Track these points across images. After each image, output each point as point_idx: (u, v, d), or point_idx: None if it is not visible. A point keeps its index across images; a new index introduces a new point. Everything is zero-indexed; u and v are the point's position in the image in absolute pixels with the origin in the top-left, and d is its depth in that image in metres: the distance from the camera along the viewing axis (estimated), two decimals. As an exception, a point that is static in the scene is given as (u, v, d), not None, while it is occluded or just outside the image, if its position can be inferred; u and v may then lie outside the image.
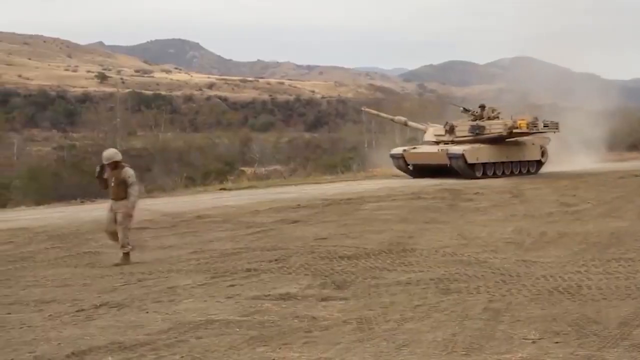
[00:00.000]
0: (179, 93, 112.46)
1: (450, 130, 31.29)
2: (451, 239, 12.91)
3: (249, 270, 10.40)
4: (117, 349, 6.68)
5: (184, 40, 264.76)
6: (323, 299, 8.45)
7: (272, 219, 16.93)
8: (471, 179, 28.63)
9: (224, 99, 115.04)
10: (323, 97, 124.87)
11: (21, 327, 7.60)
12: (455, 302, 8.13)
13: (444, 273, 9.75)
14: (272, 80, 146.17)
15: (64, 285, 9.84)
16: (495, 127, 30.69)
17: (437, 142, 31.52)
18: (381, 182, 29.34)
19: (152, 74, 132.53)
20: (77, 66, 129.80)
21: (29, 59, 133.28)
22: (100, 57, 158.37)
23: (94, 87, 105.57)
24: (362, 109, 40.74)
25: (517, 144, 31.73)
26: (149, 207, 21.21)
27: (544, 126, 31.38)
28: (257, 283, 9.53)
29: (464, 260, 10.72)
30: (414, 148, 31.76)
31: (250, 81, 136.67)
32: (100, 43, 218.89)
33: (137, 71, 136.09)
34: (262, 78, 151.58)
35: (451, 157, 29.66)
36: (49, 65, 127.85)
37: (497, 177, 30.15)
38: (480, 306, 7.90)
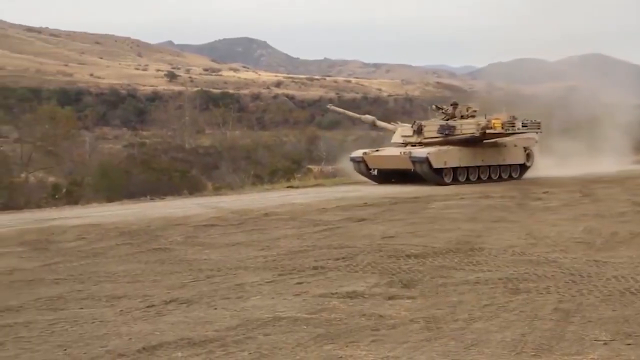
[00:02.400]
0: (246, 91, 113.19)
1: (419, 130, 28.16)
2: (520, 238, 12.76)
3: (316, 268, 10.42)
4: (187, 345, 6.76)
5: (251, 38, 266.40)
6: (390, 298, 8.43)
7: (339, 217, 16.92)
8: (439, 185, 25.96)
9: (291, 97, 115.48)
10: (390, 95, 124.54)
11: (93, 322, 7.73)
12: (524, 302, 8.04)
13: (513, 272, 9.64)
14: (339, 79, 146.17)
15: (135, 281, 9.98)
16: (466, 128, 27.59)
17: (405, 144, 28.25)
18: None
19: (220, 73, 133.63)
20: (147, 65, 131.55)
21: (101, 58, 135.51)
22: (170, 56, 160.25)
23: (163, 86, 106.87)
24: (328, 107, 36.63)
25: (495, 145, 28.41)
26: (217, 204, 21.41)
27: (523, 126, 27.99)
28: (324, 281, 9.54)
29: (533, 259, 10.59)
30: (377, 151, 28.39)
31: (317, 79, 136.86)
32: (170, 42, 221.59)
33: (205, 70, 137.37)
34: (329, 76, 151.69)
35: (414, 160, 26.51)
36: (119, 64, 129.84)
37: (471, 183, 27.05)
38: (550, 306, 7.80)
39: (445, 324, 7.20)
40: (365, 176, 28.43)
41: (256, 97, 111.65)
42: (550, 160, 31.76)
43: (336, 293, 8.72)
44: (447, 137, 27.45)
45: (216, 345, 6.70)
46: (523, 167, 29.23)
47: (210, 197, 25.65)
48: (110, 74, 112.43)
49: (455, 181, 26.80)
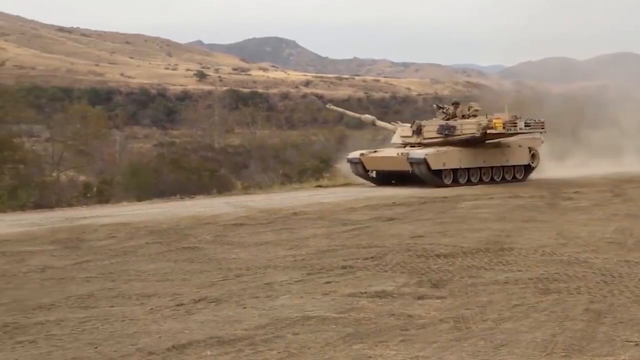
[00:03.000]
0: (275, 91, 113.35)
1: (418, 130, 27.20)
2: (550, 238, 12.68)
3: (344, 267, 10.42)
4: (216, 344, 6.79)
5: (281, 38, 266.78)
6: (419, 297, 8.41)
7: (367, 217, 16.90)
8: (439, 187, 24.88)
9: (320, 97, 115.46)
10: (419, 95, 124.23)
11: (123, 320, 7.79)
12: (554, 303, 7.99)
13: (543, 273, 9.58)
14: (368, 78, 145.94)
15: (164, 279, 10.03)
16: (467, 128, 26.60)
17: (404, 145, 27.41)
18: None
19: (249, 72, 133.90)
20: (176, 65, 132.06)
21: (131, 57, 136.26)
22: (199, 55, 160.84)
23: (192, 85, 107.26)
24: (327, 106, 35.37)
25: (498, 146, 27.48)
26: (246, 203, 21.47)
27: (526, 125, 26.84)
28: (353, 280, 9.54)
29: (564, 260, 10.52)
30: (375, 152, 27.58)
31: (346, 79, 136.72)
32: (199, 42, 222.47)
33: (234, 69, 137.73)
34: (358, 75, 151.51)
35: (412, 162, 25.65)
36: (149, 63, 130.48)
37: (473, 184, 26.05)
38: (580, 307, 7.75)
39: (475, 324, 7.18)
40: (363, 178, 27.79)
41: (285, 96, 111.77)
42: (577, 160, 31.54)
43: (365, 292, 8.71)
44: (447, 137, 26.63)
45: (245, 344, 6.73)
46: (528, 168, 28.22)
47: (239, 196, 25.73)
48: (140, 74, 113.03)
49: (455, 183, 25.90)
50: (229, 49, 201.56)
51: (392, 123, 29.76)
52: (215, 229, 15.40)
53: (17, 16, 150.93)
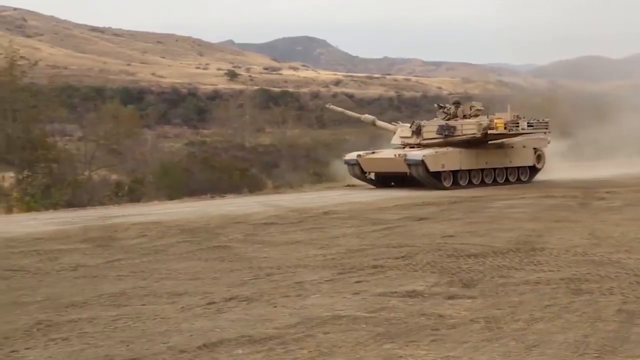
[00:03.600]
0: (306, 90, 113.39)
1: (417, 131, 26.43)
2: (582, 239, 12.59)
3: (375, 266, 10.41)
4: (247, 342, 6.81)
5: (311, 37, 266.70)
6: (450, 297, 8.39)
7: (398, 216, 16.88)
8: (438, 189, 24.25)
9: (351, 96, 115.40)
10: (450, 94, 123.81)
11: (155, 318, 7.84)
12: (587, 303, 7.93)
13: (575, 273, 9.52)
14: (398, 77, 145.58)
15: (195, 278, 10.07)
16: (467, 128, 25.79)
17: (404, 146, 26.64)
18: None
19: (280, 72, 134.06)
20: (207, 64, 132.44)
21: (162, 57, 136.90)
22: (230, 55, 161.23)
23: (223, 85, 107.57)
24: (327, 106, 34.57)
25: (501, 147, 26.71)
26: (277, 202, 21.51)
27: (529, 126, 26.07)
28: (384, 280, 9.53)
29: (596, 260, 10.44)
30: (372, 153, 26.81)
31: (377, 78, 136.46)
32: (230, 41, 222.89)
33: (265, 69, 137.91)
34: (388, 75, 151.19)
35: (409, 163, 24.86)
36: (180, 63, 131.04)
37: (474, 186, 25.32)
38: (613, 307, 7.69)
39: (506, 324, 7.15)
40: (361, 180, 27.14)
41: (315, 95, 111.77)
42: (611, 160, 31.23)
43: (396, 292, 8.70)
44: (447, 138, 25.83)
45: (276, 343, 6.74)
46: (533, 170, 27.53)
47: (270, 195, 25.80)
48: (171, 73, 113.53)
49: (455, 185, 25.13)
50: (259, 49, 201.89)
51: (393, 123, 29.17)
52: (246, 228, 15.45)
53: (51, 16, 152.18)
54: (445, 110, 27.12)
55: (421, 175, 24.84)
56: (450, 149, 25.56)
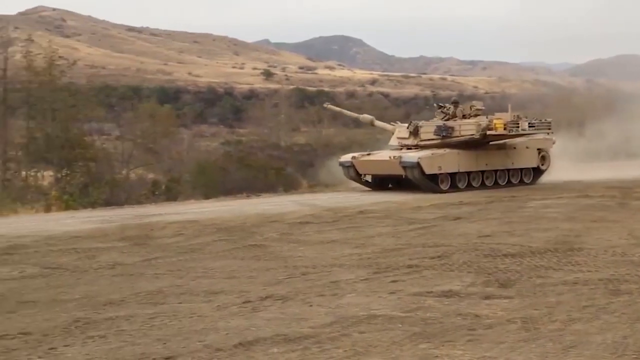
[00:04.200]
0: (341, 89, 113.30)
1: (415, 131, 25.40)
2: (621, 239, 12.46)
3: (410, 266, 10.38)
4: (282, 341, 6.82)
5: (347, 36, 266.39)
6: (486, 297, 8.35)
7: (433, 215, 16.83)
8: (435, 192, 23.41)
9: (386, 95, 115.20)
10: (486, 93, 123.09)
11: (191, 317, 7.88)
12: (625, 304, 7.85)
13: (614, 273, 9.42)
14: (434, 76, 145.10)
15: (231, 277, 10.11)
16: (466, 128, 24.78)
17: (401, 147, 25.69)
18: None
19: (315, 71, 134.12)
20: (243, 63, 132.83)
21: (199, 57, 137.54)
22: (266, 54, 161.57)
23: (259, 84, 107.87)
24: (325, 105, 33.55)
25: (502, 148, 25.70)
26: (312, 202, 21.54)
27: (530, 126, 25.17)
28: (419, 279, 9.51)
29: (635, 260, 10.33)
30: (368, 154, 25.93)
31: (413, 77, 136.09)
32: (266, 40, 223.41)
33: (301, 68, 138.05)
34: (424, 74, 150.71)
35: (405, 166, 23.89)
36: (217, 62, 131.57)
37: (474, 189, 24.34)
38: (652, 309, 7.61)
39: (543, 325, 7.10)
40: (357, 182, 26.34)
41: (351, 94, 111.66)
42: None
43: (431, 292, 8.68)
44: (445, 139, 24.85)
45: (311, 342, 6.75)
46: (537, 171, 26.61)
47: (305, 194, 25.84)
48: (208, 73, 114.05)
49: (453, 188, 24.21)
50: (295, 48, 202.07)
51: (392, 123, 28.17)
52: (282, 227, 15.49)
53: (89, 16, 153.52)
54: (444, 110, 26.32)
55: (417, 178, 23.97)
56: (447, 150, 24.61)
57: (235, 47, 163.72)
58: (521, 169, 26.20)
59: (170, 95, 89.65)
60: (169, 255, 12.13)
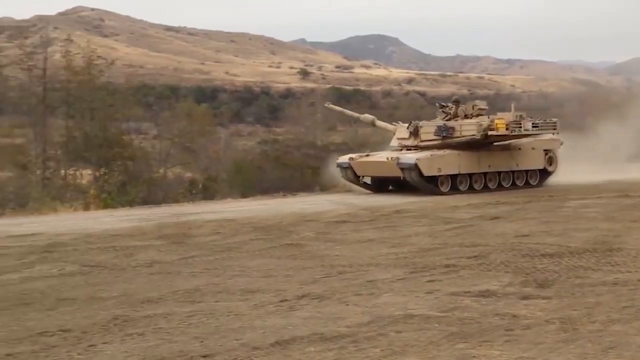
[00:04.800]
0: (378, 88, 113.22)
1: (415, 132, 24.56)
2: (661, 239, 12.32)
3: (447, 266, 10.34)
4: (319, 340, 6.82)
5: (383, 35, 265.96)
6: (524, 298, 8.29)
7: (470, 215, 16.75)
8: (435, 195, 22.60)
9: (423, 94, 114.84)
10: (524, 92, 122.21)
11: (228, 315, 7.91)
12: (666, 305, 7.76)
13: (654, 274, 9.33)
14: (471, 75, 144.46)
15: (268, 275, 10.14)
16: (467, 129, 23.91)
17: (401, 148, 24.89)
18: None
19: (352, 70, 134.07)
20: (280, 63, 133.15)
21: (235, 56, 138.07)
22: (303, 53, 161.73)
23: (296, 83, 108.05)
24: (326, 105, 32.48)
25: (507, 149, 24.83)
26: (348, 201, 21.54)
27: (533, 126, 24.18)
28: (456, 279, 9.47)
29: (676, 261, 10.20)
30: (367, 155, 25.03)
31: (450, 76, 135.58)
32: (303, 40, 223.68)
33: (337, 67, 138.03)
34: (461, 73, 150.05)
35: (402, 167, 23.14)
36: (253, 62, 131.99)
37: (476, 192, 23.54)
38: (693, 310, 7.51)
39: (582, 326, 7.03)
40: (355, 184, 25.55)
41: (388, 93, 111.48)
42: None
43: (469, 292, 8.64)
44: (445, 139, 23.99)
45: (348, 341, 6.74)
46: (544, 173, 25.61)
47: (341, 194, 25.76)
48: (244, 72, 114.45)
49: (454, 190, 23.39)
50: (332, 47, 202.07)
51: (393, 123, 27.00)
52: (318, 226, 15.50)
53: (127, 16, 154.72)
54: (446, 109, 25.50)
55: (415, 180, 23.26)
56: (447, 151, 23.77)
57: (272, 46, 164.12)
58: (527, 171, 25.26)
59: (207, 94, 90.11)
60: (206, 254, 12.19)
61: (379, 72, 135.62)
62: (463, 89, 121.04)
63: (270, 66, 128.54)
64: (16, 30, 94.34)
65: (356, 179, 25.21)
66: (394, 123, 26.90)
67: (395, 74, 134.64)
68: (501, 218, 16.06)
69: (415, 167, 22.85)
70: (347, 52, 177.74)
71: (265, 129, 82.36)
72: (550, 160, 25.65)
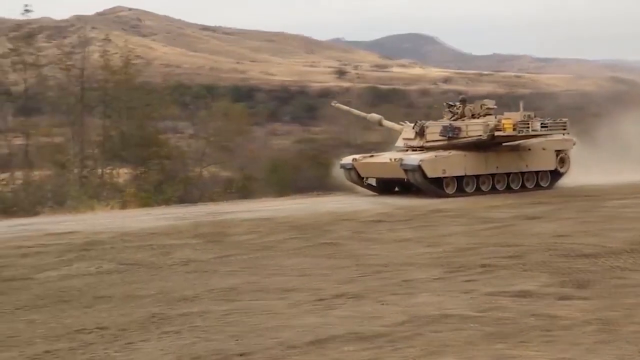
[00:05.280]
0: (414, 87, 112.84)
1: (421, 132, 23.73)
2: (702, 240, 12.15)
3: (484, 265, 10.29)
4: (355, 339, 6.81)
5: (420, 34, 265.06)
6: (562, 298, 8.22)
7: (507, 215, 16.65)
8: (440, 197, 21.83)
9: (460, 93, 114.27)
10: (563, 91, 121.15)
11: (264, 314, 7.92)
12: None
13: (694, 275, 9.20)
14: (509, 74, 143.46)
15: (304, 274, 10.14)
16: (473, 129, 23.07)
17: (407, 148, 24.19)
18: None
19: (388, 69, 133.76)
20: (317, 62, 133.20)
21: (272, 55, 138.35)
22: (339, 52, 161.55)
23: (332, 82, 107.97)
24: (332, 104, 30.93)
25: (515, 149, 23.92)
26: (385, 200, 21.47)
27: (542, 126, 23.28)
28: (494, 279, 9.41)
29: None
30: (371, 156, 24.31)
31: (487, 75, 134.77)
32: (339, 39, 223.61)
33: (374, 66, 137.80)
34: (499, 71, 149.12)
35: (406, 169, 22.39)
36: (290, 61, 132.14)
37: (483, 193, 22.76)
38: None
39: (621, 327, 6.95)
40: (359, 185, 24.85)
41: (425, 93, 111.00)
42: None
43: (506, 292, 8.58)
44: (451, 140, 23.20)
45: (384, 341, 6.72)
46: (555, 174, 24.62)
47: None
48: (281, 71, 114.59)
49: (460, 192, 22.55)
50: (368, 46, 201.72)
51: (400, 123, 25.95)
52: (354, 226, 15.49)
53: (165, 16, 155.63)
54: (453, 109, 24.65)
55: (419, 182, 22.48)
56: (452, 152, 22.97)
57: (309, 45, 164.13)
58: (537, 172, 24.30)
59: (243, 93, 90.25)
60: (243, 253, 12.22)
61: (416, 71, 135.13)
62: (501, 88, 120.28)
63: (306, 65, 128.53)
64: (55, 30, 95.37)
65: (360, 180, 24.61)
66: (401, 123, 25.99)
67: (432, 73, 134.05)
68: (539, 218, 15.95)
69: (419, 169, 22.15)
70: (383, 51, 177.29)
71: (301, 128, 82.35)
72: (562, 161, 24.74)
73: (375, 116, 28.09)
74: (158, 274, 10.55)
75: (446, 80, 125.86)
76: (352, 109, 30.77)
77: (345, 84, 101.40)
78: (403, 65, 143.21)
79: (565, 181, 24.61)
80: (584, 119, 32.04)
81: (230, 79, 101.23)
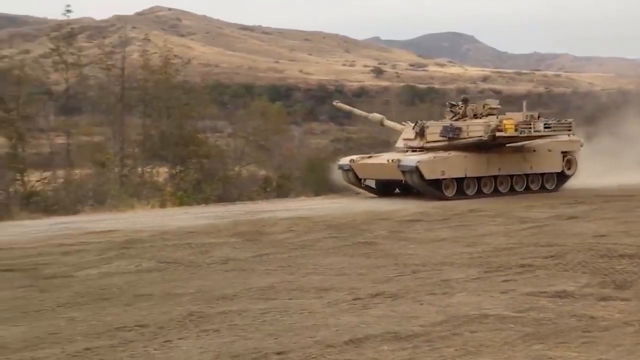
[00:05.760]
0: (452, 86, 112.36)
1: (421, 132, 23.16)
2: None
3: (523, 265, 10.23)
4: (392, 339, 6.81)
5: (458, 33, 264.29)
6: (602, 299, 8.15)
7: (546, 215, 16.53)
8: (439, 199, 21.39)
9: (498, 92, 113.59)
10: (602, 90, 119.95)
11: (302, 313, 7.94)
12: None
13: None
14: (548, 73, 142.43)
15: (341, 274, 10.15)
16: (474, 130, 22.41)
17: (407, 149, 23.68)
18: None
19: (426, 68, 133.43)
20: (354, 61, 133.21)
21: (310, 54, 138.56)
22: (376, 51, 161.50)
23: (369, 82, 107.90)
24: (334, 103, 30.99)
25: (519, 150, 23.24)
26: (421, 200, 21.41)
27: (546, 127, 22.53)
28: (532, 279, 9.35)
29: None
30: (369, 157, 23.77)
31: (526, 74, 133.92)
32: (377, 38, 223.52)
33: (411, 65, 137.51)
34: (537, 70, 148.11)
35: (403, 170, 21.80)
36: (327, 60, 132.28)
37: (485, 196, 22.20)
38: None
39: (662, 329, 6.88)
40: (357, 187, 24.47)
41: (462, 92, 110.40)
42: None
43: (545, 292, 8.52)
44: (452, 140, 22.60)
45: (422, 341, 6.72)
46: (561, 176, 23.98)
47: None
48: (318, 70, 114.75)
49: (460, 195, 21.91)
50: (405, 45, 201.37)
51: (402, 123, 25.29)
52: (391, 225, 15.47)
53: (203, 16, 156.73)
54: (454, 109, 24.08)
55: (416, 184, 21.91)
56: (452, 153, 22.34)
57: (346, 44, 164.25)
58: (542, 174, 23.69)
59: (281, 93, 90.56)
60: (280, 252, 12.26)
61: (454, 70, 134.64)
62: (539, 87, 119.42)
63: (344, 64, 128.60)
64: (95, 30, 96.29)
65: (358, 181, 24.21)
66: (403, 123, 25.39)
67: (470, 72, 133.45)
68: (578, 218, 15.82)
69: (417, 170, 21.53)
70: (421, 50, 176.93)
71: (338, 128, 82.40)
72: (569, 162, 24.13)
73: (377, 116, 27.59)
74: (197, 273, 10.63)
75: (485, 79, 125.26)
76: (354, 109, 30.19)
77: (383, 83, 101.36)
78: (440, 64, 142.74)
79: (604, 181, 24.35)
80: (625, 118, 31.70)
81: (267, 78, 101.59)
